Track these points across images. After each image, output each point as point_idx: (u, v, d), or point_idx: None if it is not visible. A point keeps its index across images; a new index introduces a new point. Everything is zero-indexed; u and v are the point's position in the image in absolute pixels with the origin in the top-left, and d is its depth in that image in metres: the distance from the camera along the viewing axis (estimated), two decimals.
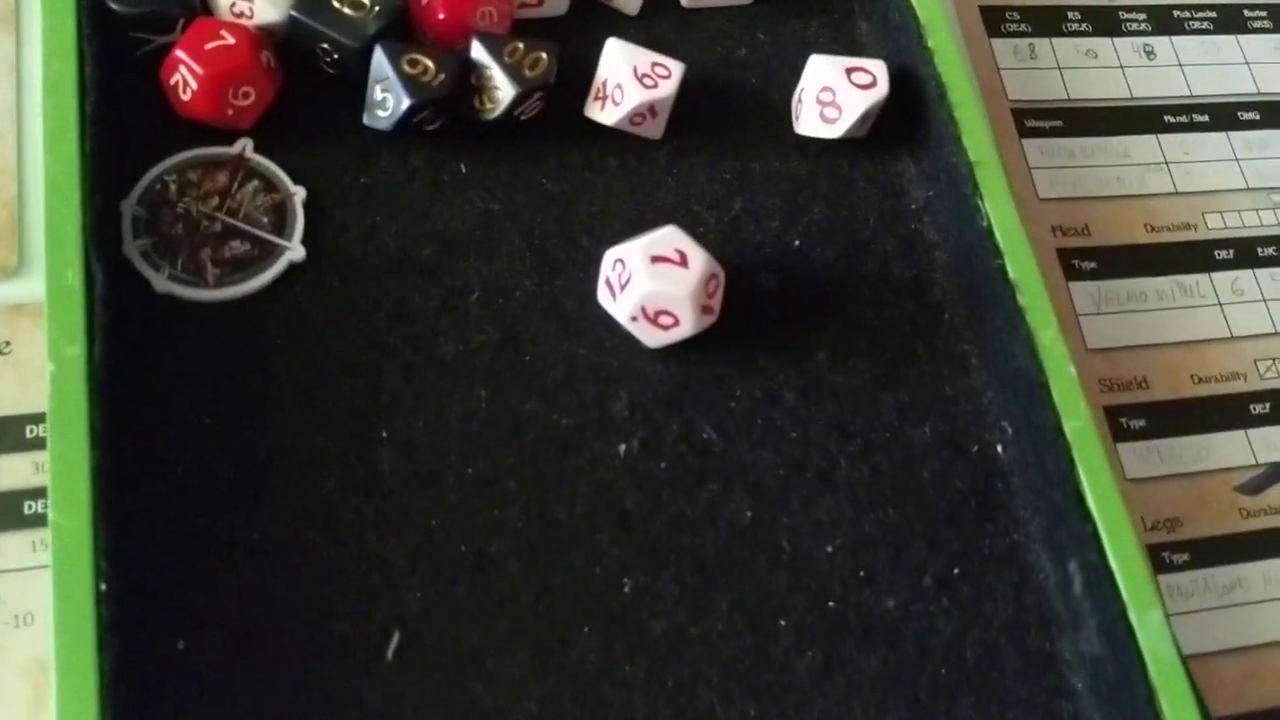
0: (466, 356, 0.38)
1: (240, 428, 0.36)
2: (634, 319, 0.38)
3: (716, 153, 0.43)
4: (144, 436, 0.35)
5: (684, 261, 0.37)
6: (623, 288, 0.38)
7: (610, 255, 0.38)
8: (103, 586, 0.31)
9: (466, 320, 0.39)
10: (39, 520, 0.37)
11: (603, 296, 0.39)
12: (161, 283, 0.37)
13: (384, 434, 0.37)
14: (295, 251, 0.38)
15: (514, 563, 0.36)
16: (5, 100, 0.43)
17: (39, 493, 0.37)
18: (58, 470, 0.32)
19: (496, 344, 0.39)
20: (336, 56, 0.40)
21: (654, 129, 0.42)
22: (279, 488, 0.36)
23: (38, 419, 0.38)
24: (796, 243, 0.42)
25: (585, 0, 0.45)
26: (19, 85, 0.43)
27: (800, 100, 0.43)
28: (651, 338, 0.38)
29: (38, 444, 0.38)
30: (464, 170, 0.41)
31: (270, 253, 0.38)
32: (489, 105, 0.40)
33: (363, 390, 0.37)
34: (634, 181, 0.42)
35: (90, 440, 0.32)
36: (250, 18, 0.40)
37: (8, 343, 0.39)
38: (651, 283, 0.37)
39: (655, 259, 0.37)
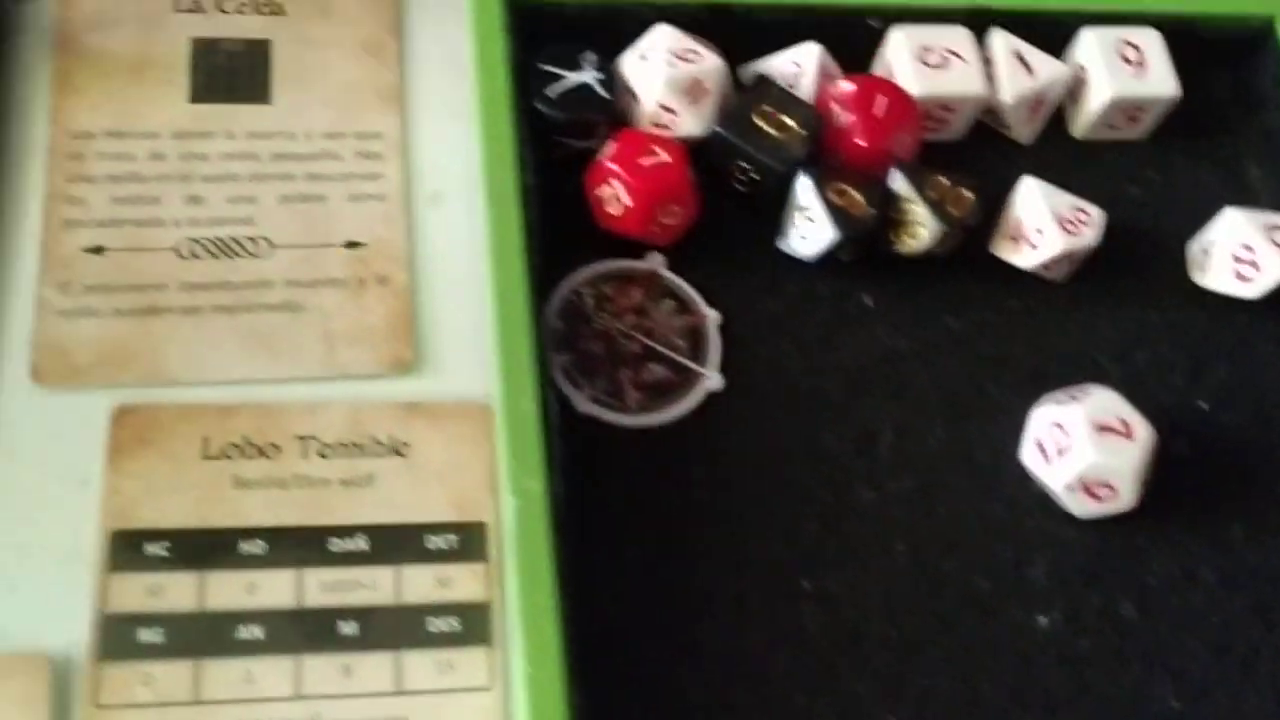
0: (882, 505, 0.37)
1: (666, 567, 0.35)
2: (1069, 488, 0.36)
3: (1116, 298, 0.42)
4: (579, 572, 0.34)
5: (1129, 433, 0.36)
6: (1060, 454, 0.36)
7: (1044, 416, 0.37)
8: None
9: (880, 466, 0.38)
10: (444, 639, 0.36)
11: (1030, 458, 0.37)
12: (584, 404, 0.36)
13: (805, 585, 0.36)
14: (713, 380, 0.37)
15: None
16: (393, 183, 0.41)
17: (443, 609, 0.36)
18: (529, 618, 0.31)
19: (911, 494, 0.37)
20: (755, 177, 0.38)
21: (1061, 273, 0.41)
22: (707, 638, 0.34)
23: (437, 529, 0.37)
24: (1205, 405, 0.40)
25: (979, 125, 0.43)
26: (407, 167, 0.41)
27: (1209, 253, 0.42)
28: (1083, 508, 0.37)
29: (439, 556, 0.36)
30: (868, 302, 0.40)
31: (689, 380, 0.37)
32: (907, 240, 0.39)
33: (784, 535, 0.36)
34: (1036, 325, 0.41)
35: (556, 584, 0.31)
36: (671, 129, 0.38)
37: (405, 444, 0.38)
38: (1097, 455, 0.36)
39: (1100, 428, 0.36)
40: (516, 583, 0.31)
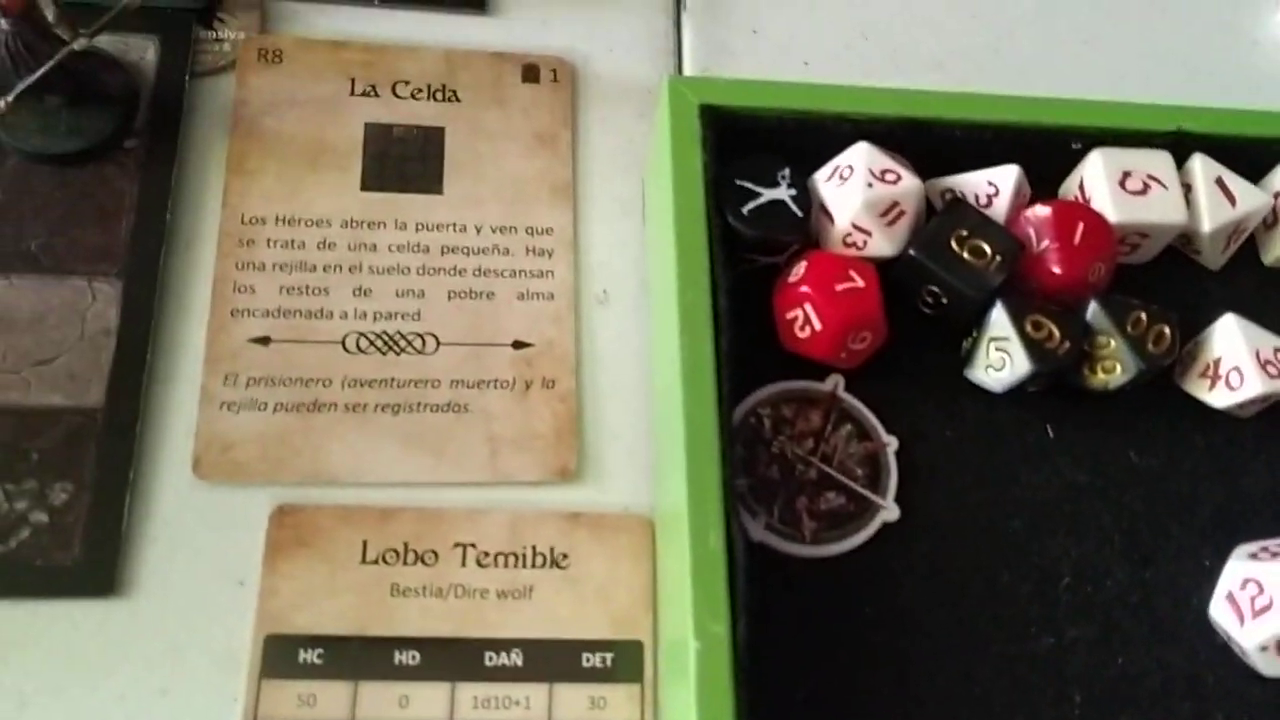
0: (1059, 652, 0.35)
1: (835, 705, 0.33)
2: (1263, 649, 0.34)
3: None
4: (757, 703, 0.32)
5: None
6: (1256, 614, 0.34)
7: (1239, 570, 0.35)
8: None
9: (1058, 610, 0.36)
10: None
11: (1220, 611, 0.35)
12: (759, 531, 0.35)
13: None
14: (890, 511, 0.36)
15: None
16: (564, 283, 0.40)
17: None
18: None
19: (1089, 642, 0.36)
20: (945, 302, 0.37)
21: (1251, 412, 0.39)
22: None
23: (593, 646, 0.36)
24: None
25: (1169, 249, 0.41)
26: (577, 266, 0.41)
27: None
28: (1275, 668, 0.34)
29: (594, 675, 0.35)
30: (1050, 434, 0.38)
31: (866, 509, 0.35)
32: (1100, 375, 0.37)
33: (956, 679, 0.35)
34: (1222, 464, 0.39)
35: None
36: (862, 249, 0.37)
37: (565, 556, 0.37)
38: None
39: None
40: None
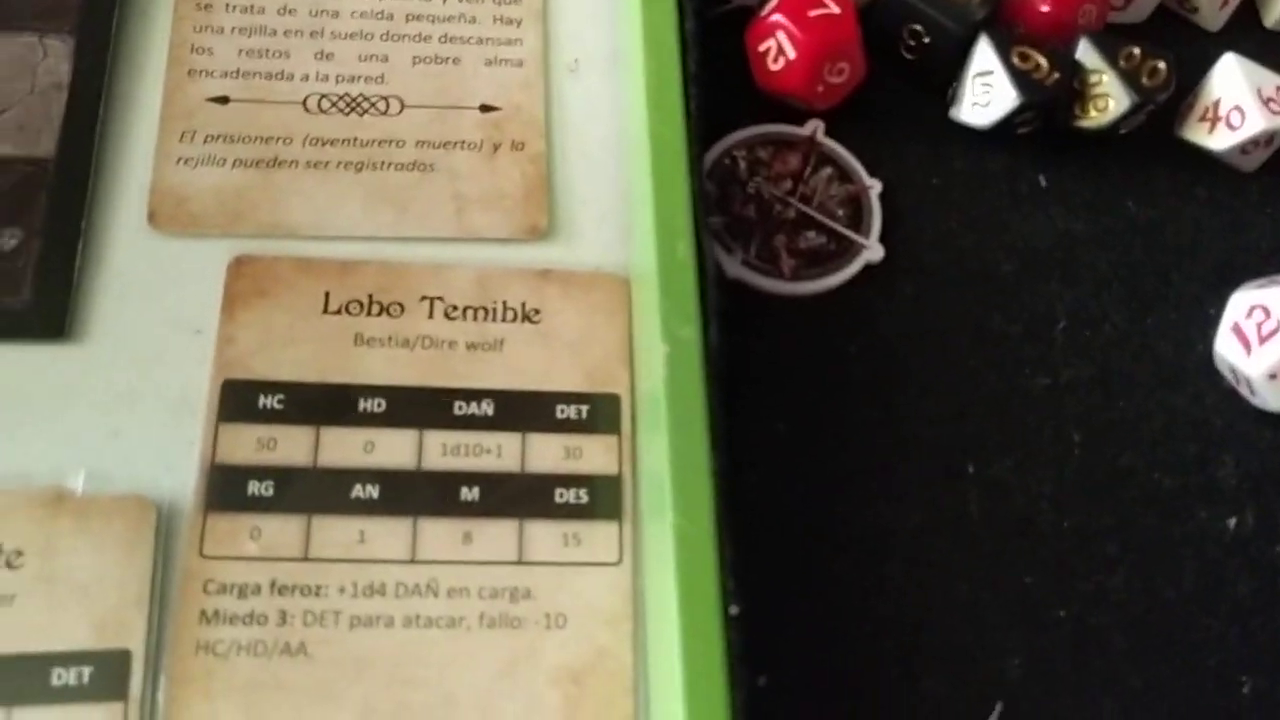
0: (1055, 393, 0.34)
1: (817, 441, 0.32)
2: (1273, 377, 0.32)
3: None
4: (728, 435, 0.31)
5: None
6: (1264, 340, 0.32)
7: (1244, 300, 0.33)
8: (733, 610, 0.26)
9: (1054, 352, 0.34)
10: (570, 511, 0.33)
11: (1225, 345, 0.34)
12: (735, 267, 0.33)
13: (970, 469, 0.32)
14: (873, 251, 0.34)
15: (1119, 640, 0.31)
16: (533, 50, 0.39)
17: (570, 480, 0.33)
18: (678, 467, 0.28)
19: (1086, 382, 0.34)
20: (927, 41, 0.35)
21: (1254, 161, 0.37)
22: (861, 517, 0.31)
23: (567, 398, 0.34)
24: None
25: (1164, 10, 0.40)
26: (545, 34, 0.39)
27: None
28: None
29: (568, 426, 0.34)
30: (1043, 183, 0.37)
31: (847, 249, 0.34)
32: (1092, 114, 0.36)
33: (946, 417, 0.33)
34: (1225, 217, 0.37)
35: (709, 437, 0.28)
36: None
37: (537, 310, 0.35)
38: None
39: None
40: (667, 431, 0.28)
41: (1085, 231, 0.37)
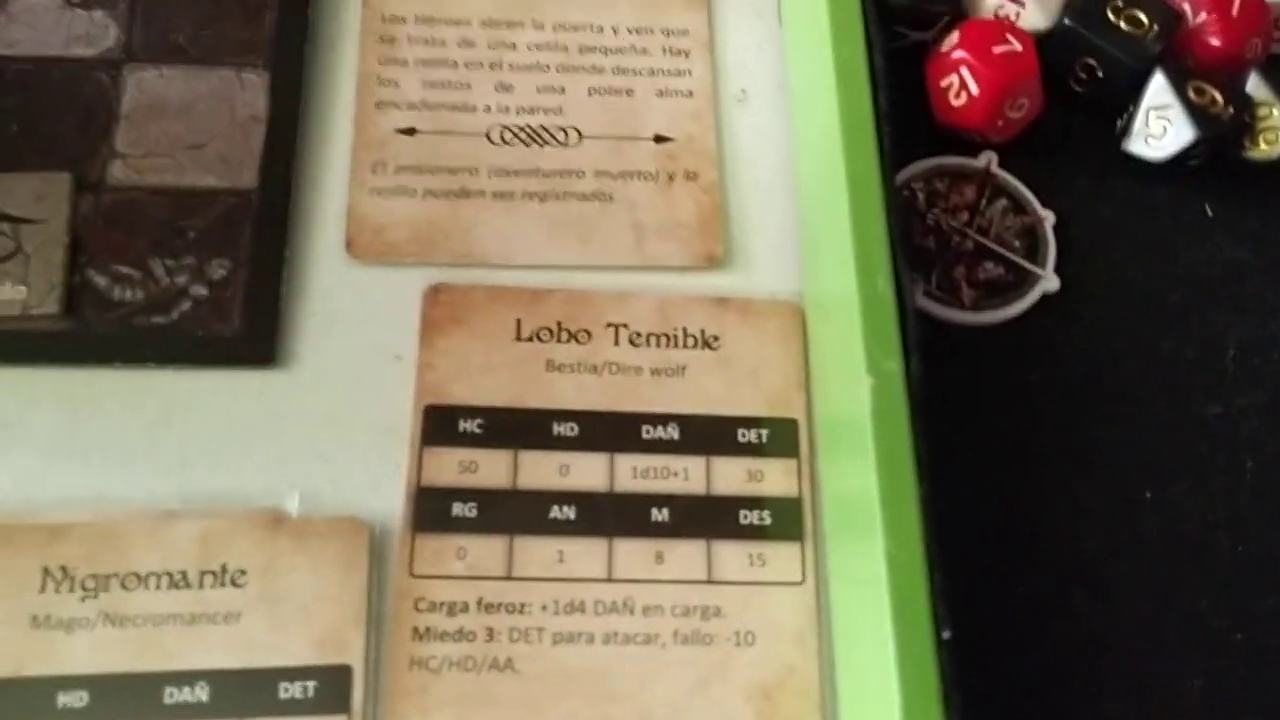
0: (1228, 420, 0.35)
1: (1003, 467, 0.33)
2: None
3: None
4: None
5: None
6: None
7: None
8: (946, 635, 0.28)
9: (1224, 379, 0.35)
10: (754, 532, 0.34)
11: None
12: (918, 298, 0.34)
13: (1147, 494, 0.33)
14: (1050, 281, 0.35)
15: None
16: (702, 81, 0.40)
17: (753, 502, 0.35)
18: (889, 498, 0.29)
19: (1258, 409, 0.35)
20: (1101, 75, 0.36)
21: None
22: (1044, 540, 0.32)
23: (748, 422, 0.35)
24: None
25: None
26: (714, 66, 0.40)
27: None
28: None
29: (750, 449, 0.35)
30: (1209, 212, 0.37)
31: (1025, 279, 0.35)
32: (1262, 146, 0.36)
33: (1123, 443, 0.34)
34: None
35: (916, 464, 0.29)
36: (1014, 20, 0.36)
37: (716, 337, 0.36)
38: None
39: None
40: (874, 459, 0.29)
41: (1253, 261, 0.37)
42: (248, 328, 0.35)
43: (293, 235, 0.36)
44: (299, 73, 0.38)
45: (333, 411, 0.35)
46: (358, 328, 0.36)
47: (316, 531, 0.33)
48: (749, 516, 0.34)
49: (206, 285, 0.35)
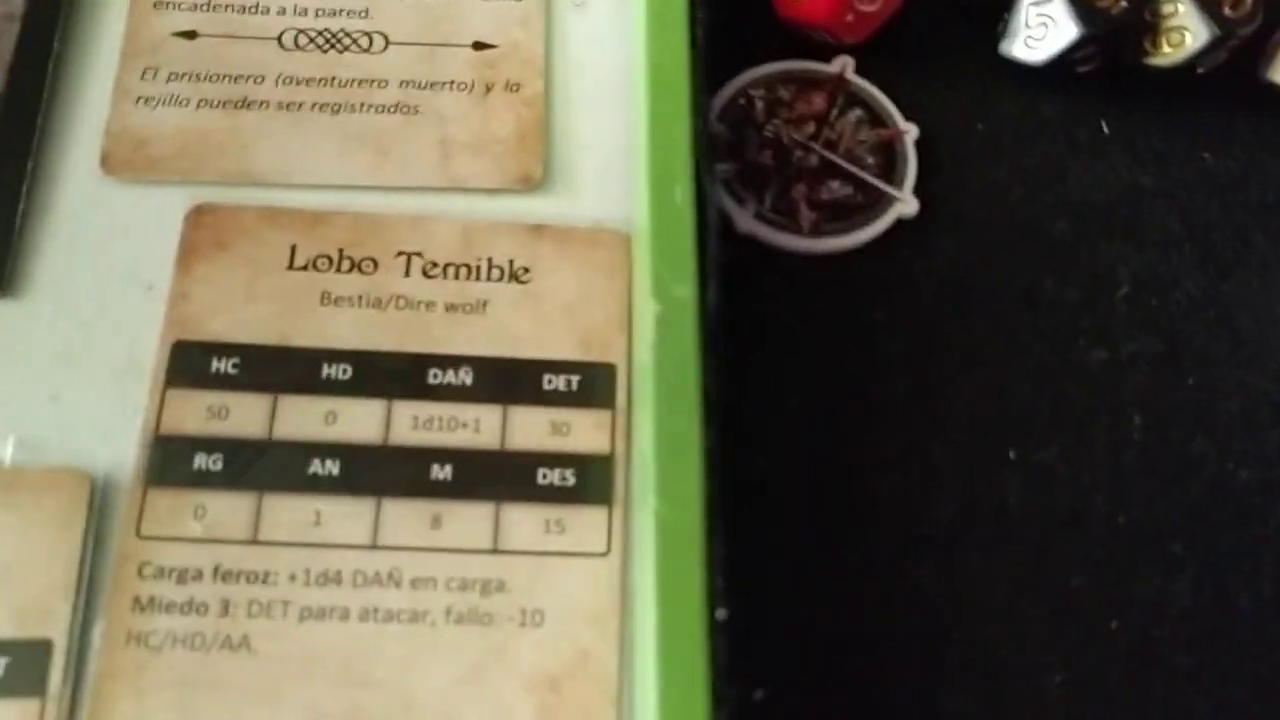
0: (1114, 369, 0.30)
1: (839, 418, 0.28)
2: None
3: None
4: (729, 409, 0.27)
5: None
6: None
7: None
8: (720, 614, 0.23)
9: (1113, 321, 0.30)
10: (554, 494, 0.30)
11: None
12: (747, 221, 0.29)
13: (1011, 454, 0.28)
14: (907, 204, 0.30)
15: (1181, 657, 0.27)
16: None
17: (556, 460, 0.30)
18: (665, 445, 0.24)
19: (1152, 357, 0.30)
20: None
21: None
22: (885, 509, 0.27)
23: (557, 367, 0.31)
24: None
25: None
26: None
27: None
28: None
29: (556, 398, 0.30)
30: (1105, 129, 0.32)
31: (876, 201, 0.30)
32: (1165, 49, 0.31)
33: (986, 393, 0.29)
34: None
35: (701, 410, 0.24)
36: None
37: (526, 269, 0.32)
38: None
39: None
40: (652, 404, 0.24)
41: (1154, 185, 0.33)
42: None
43: (39, 147, 0.32)
44: None
45: (69, 346, 0.30)
46: (107, 253, 0.31)
47: (29, 484, 0.28)
48: (549, 476, 0.29)
49: None
